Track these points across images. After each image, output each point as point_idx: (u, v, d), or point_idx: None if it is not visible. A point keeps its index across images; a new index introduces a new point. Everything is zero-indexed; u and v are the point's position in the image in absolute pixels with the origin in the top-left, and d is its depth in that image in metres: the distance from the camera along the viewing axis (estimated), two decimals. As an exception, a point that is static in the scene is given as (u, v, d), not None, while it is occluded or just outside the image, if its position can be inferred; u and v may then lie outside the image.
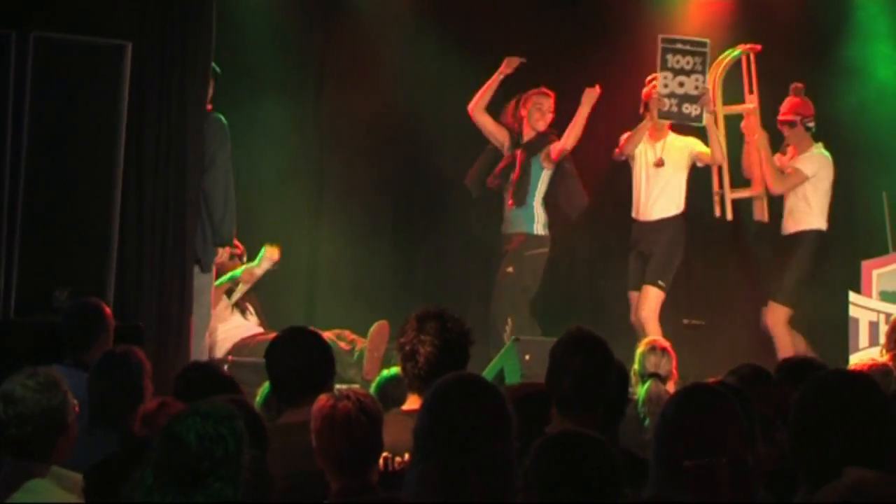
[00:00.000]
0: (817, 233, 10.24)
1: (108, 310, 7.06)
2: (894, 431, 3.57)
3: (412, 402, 4.96)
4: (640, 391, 6.87)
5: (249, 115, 10.50)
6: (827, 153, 10.30)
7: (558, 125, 10.34)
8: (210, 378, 5.60)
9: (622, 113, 10.57)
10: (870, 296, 10.34)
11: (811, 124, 10.31)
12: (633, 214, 10.31)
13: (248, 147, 10.38)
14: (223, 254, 9.47)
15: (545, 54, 10.86)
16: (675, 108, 10.06)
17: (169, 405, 4.66)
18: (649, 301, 10.05)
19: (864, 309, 10.19)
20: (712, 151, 10.16)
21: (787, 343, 10.06)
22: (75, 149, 8.54)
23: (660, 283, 10.07)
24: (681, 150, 10.21)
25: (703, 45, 10.08)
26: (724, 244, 11.38)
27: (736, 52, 10.31)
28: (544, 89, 10.26)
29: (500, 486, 3.49)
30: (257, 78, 10.70)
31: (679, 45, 10.08)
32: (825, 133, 11.24)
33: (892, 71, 11.18)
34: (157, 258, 8.84)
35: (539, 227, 10.19)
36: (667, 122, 10.19)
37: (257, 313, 10.23)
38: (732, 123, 10.41)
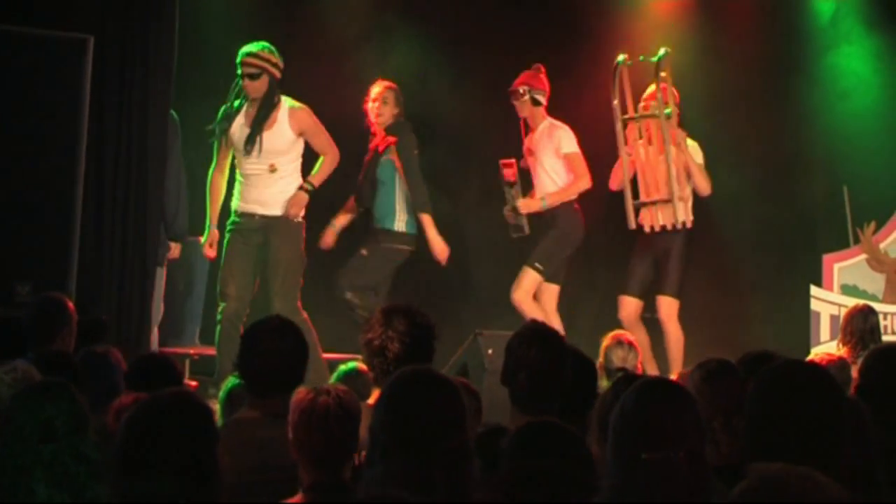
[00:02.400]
0: (685, 223, 10.04)
1: (70, 305, 7.04)
2: (845, 422, 3.58)
3: (377, 397, 4.95)
4: (604, 385, 6.87)
5: (211, 112, 10.48)
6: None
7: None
8: (161, 369, 5.58)
9: (586, 109, 10.56)
10: (831, 289, 10.40)
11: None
12: None
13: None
14: (175, 249, 9.44)
15: (509, 45, 10.86)
16: (513, 220, 9.98)
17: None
18: (522, 282, 9.80)
19: (825, 302, 10.24)
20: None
21: (680, 336, 10.00)
22: (37, 143, 8.51)
23: (537, 265, 9.80)
24: (548, 137, 9.97)
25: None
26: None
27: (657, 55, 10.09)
28: (387, 81, 9.93)
29: (462, 479, 3.49)
30: (220, 75, 10.66)
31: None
32: (789, 128, 11.32)
33: (854, 69, 11.24)
34: (117, 253, 8.84)
35: (400, 224, 9.78)
36: (540, 111, 9.94)
37: None
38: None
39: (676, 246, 9.94)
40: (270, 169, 8.90)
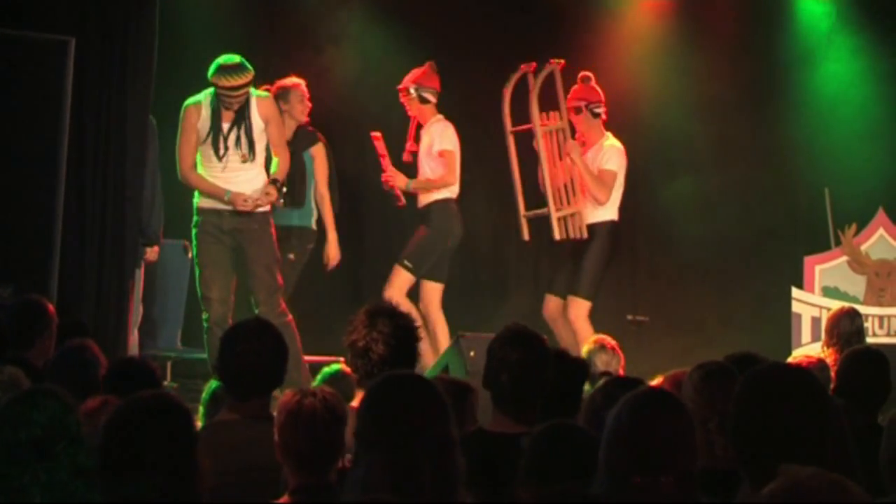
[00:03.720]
0: (611, 224, 9.79)
1: (51, 308, 7.01)
2: (831, 425, 3.59)
3: (361, 399, 4.95)
4: (586, 389, 6.87)
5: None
6: (618, 143, 9.85)
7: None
8: (139, 373, 5.56)
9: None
10: (812, 291, 10.42)
11: (598, 110, 9.82)
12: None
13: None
14: (151, 252, 9.40)
15: (490, 49, 10.87)
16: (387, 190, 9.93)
17: (111, 403, 4.61)
18: (393, 280, 9.70)
19: (806, 304, 10.27)
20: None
21: (589, 337, 9.81)
22: (18, 145, 8.49)
23: (406, 262, 9.69)
24: (427, 133, 9.83)
25: None
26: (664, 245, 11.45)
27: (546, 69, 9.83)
28: (298, 78, 9.81)
29: (448, 473, 3.52)
30: (199, 76, 10.66)
31: None
32: (771, 131, 11.36)
33: (835, 71, 11.28)
34: (97, 254, 8.82)
35: (314, 221, 9.83)
36: (430, 109, 9.80)
37: None
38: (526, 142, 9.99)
39: (592, 247, 9.75)
40: (242, 159, 8.75)
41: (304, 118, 9.75)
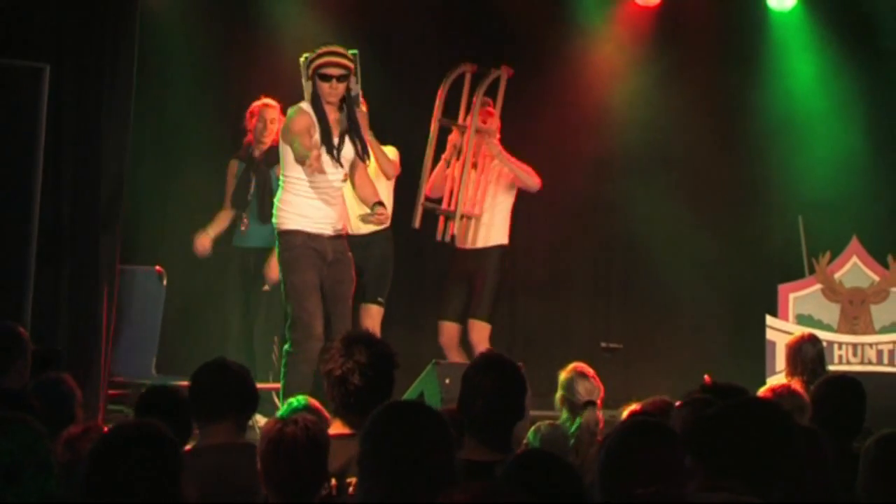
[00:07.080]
0: (503, 247, 9.73)
1: (25, 334, 6.97)
2: (793, 457, 3.64)
3: (337, 427, 4.95)
4: (563, 417, 6.85)
5: (170, 132, 10.48)
6: None
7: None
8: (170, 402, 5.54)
9: (543, 120, 10.57)
10: (787, 319, 10.43)
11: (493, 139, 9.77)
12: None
13: (173, 160, 10.37)
14: None
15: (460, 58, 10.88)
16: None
17: (93, 430, 4.64)
18: (374, 320, 9.47)
19: (780, 332, 10.26)
20: (378, 164, 9.23)
21: None
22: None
23: (379, 299, 9.52)
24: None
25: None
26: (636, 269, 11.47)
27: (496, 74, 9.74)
28: (269, 98, 9.80)
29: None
30: (180, 93, 10.68)
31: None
32: (745, 159, 11.40)
33: (810, 99, 11.34)
34: (71, 283, 8.79)
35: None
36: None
37: None
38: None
39: (488, 271, 9.67)
40: (345, 178, 8.08)
41: (273, 137, 9.66)
